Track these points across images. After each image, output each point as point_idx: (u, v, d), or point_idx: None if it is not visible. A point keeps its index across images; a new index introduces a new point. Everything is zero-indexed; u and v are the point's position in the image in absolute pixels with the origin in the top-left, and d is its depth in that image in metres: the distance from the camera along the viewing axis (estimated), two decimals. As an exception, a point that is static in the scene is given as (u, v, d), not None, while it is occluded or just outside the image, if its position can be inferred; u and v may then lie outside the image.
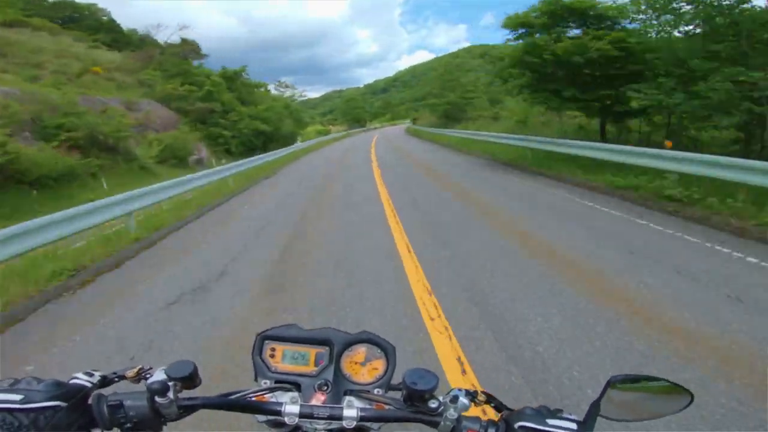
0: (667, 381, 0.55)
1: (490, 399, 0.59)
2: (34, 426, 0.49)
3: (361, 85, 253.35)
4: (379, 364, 0.66)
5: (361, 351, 0.67)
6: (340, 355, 0.66)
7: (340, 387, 0.63)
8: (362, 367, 0.66)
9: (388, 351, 0.67)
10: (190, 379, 0.57)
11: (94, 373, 0.59)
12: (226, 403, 0.58)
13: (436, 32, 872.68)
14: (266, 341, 0.68)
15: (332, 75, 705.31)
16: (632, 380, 0.55)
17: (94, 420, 0.53)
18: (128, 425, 0.55)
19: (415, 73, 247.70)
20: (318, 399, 0.61)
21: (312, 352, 0.67)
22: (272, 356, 0.67)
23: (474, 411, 0.57)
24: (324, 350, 0.66)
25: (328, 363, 0.65)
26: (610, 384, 0.53)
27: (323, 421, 0.56)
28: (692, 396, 0.54)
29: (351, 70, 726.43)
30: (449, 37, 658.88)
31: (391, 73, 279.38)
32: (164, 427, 0.58)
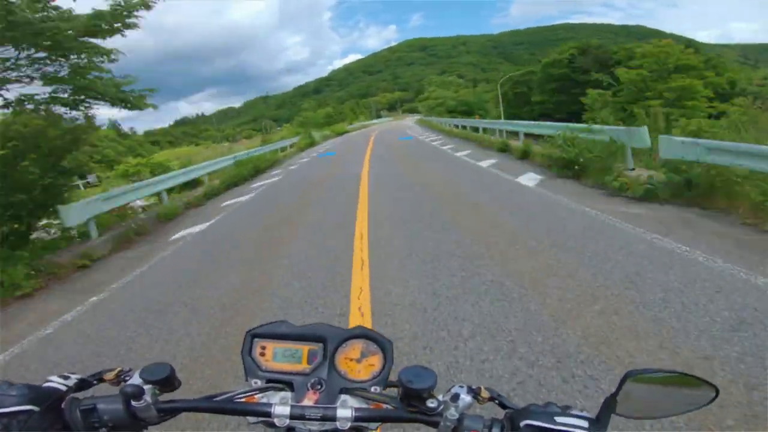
0: (690, 375, 0.53)
1: (493, 396, 0.59)
2: (6, 430, 0.49)
3: (290, 89, 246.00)
4: (376, 360, 0.65)
5: (356, 347, 0.66)
6: (334, 351, 0.65)
7: (334, 385, 0.62)
8: (358, 363, 0.65)
9: (384, 346, 0.66)
10: (167, 382, 0.58)
11: (70, 376, 0.59)
12: (210, 406, 0.58)
13: (368, 34, 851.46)
14: (256, 339, 0.67)
15: (262, 83, 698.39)
16: (651, 374, 0.52)
17: (68, 425, 0.53)
18: (103, 429, 0.54)
19: (350, 70, 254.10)
20: (311, 398, 0.60)
21: (304, 349, 0.66)
22: (262, 355, 0.66)
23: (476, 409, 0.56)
24: (317, 347, 0.66)
25: (322, 360, 0.65)
26: (627, 378, 0.51)
27: (316, 422, 0.55)
28: (717, 390, 0.52)
29: (281, 78, 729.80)
30: (381, 38, 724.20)
31: (324, 75, 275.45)
32: (146, 431, 0.58)
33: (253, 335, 0.67)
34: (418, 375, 0.55)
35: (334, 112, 66.51)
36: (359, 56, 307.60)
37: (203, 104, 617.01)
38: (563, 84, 32.34)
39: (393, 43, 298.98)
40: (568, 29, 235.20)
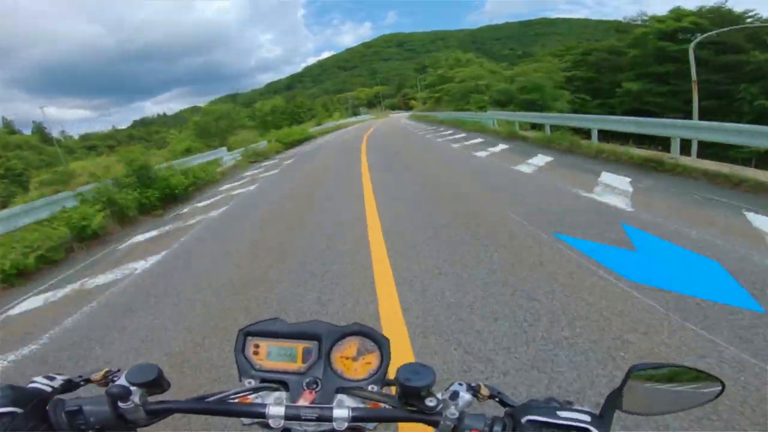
0: (695, 369, 0.53)
1: (493, 393, 0.59)
2: None
3: (262, 86, 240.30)
4: (373, 358, 0.64)
5: (352, 344, 0.65)
6: (329, 349, 0.64)
7: (330, 384, 0.62)
8: (354, 362, 0.64)
9: (381, 344, 0.65)
10: (155, 384, 0.56)
11: (56, 377, 0.58)
12: (202, 407, 0.57)
13: (343, 31, 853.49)
14: (249, 337, 0.66)
15: (234, 82, 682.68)
16: (655, 369, 0.52)
17: (53, 426, 0.52)
18: (90, 431, 0.53)
19: (324, 66, 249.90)
20: (307, 398, 0.59)
21: (299, 347, 0.65)
22: (256, 353, 0.65)
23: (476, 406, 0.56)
24: (312, 345, 0.65)
25: (317, 359, 0.64)
26: (631, 373, 0.50)
27: (312, 423, 0.54)
28: (723, 385, 0.52)
29: (255, 76, 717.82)
30: (356, 35, 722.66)
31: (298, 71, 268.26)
32: None
33: (246, 333, 0.66)
34: (416, 372, 0.53)
35: (291, 106, 50.09)
36: (334, 53, 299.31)
37: (171, 104, 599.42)
38: (678, 69, 19.80)
39: (368, 39, 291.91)
40: (546, 24, 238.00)
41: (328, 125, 37.98)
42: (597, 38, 41.39)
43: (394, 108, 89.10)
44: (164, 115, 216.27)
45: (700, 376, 0.53)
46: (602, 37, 41.13)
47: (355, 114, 66.04)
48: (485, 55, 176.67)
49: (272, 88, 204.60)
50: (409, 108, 78.37)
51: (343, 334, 0.66)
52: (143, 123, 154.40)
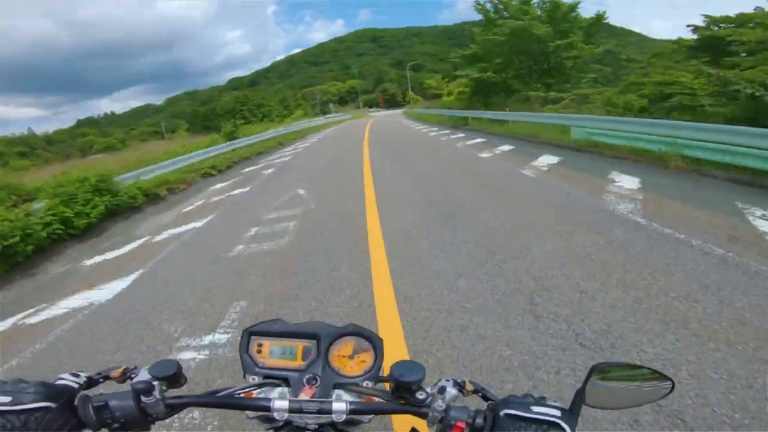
0: (649, 369, 0.61)
1: (477, 389, 0.65)
2: (25, 427, 0.52)
3: (223, 82, 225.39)
4: (367, 357, 0.71)
5: (348, 344, 0.72)
6: (327, 348, 0.71)
7: (329, 380, 0.69)
8: (350, 360, 0.71)
9: (375, 343, 0.72)
10: (175, 378, 0.62)
11: (80, 374, 0.63)
12: (214, 401, 0.63)
13: (315, 28, 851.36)
14: (252, 337, 0.72)
15: (198, 79, 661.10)
16: (614, 368, 0.60)
17: (81, 421, 0.56)
18: (116, 425, 0.58)
19: (294, 61, 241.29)
20: (307, 393, 0.66)
21: (299, 346, 0.72)
22: (259, 352, 0.71)
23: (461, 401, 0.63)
24: (311, 344, 0.72)
25: (316, 357, 0.71)
26: (593, 372, 0.57)
27: (313, 416, 0.61)
28: (673, 384, 0.60)
29: (222, 74, 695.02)
30: (328, 33, 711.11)
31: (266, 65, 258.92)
32: (152, 426, 0.62)
33: (250, 333, 0.72)
34: (409, 369, 0.60)
35: (234, 104, 42.63)
36: (304, 49, 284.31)
37: (131, 101, 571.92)
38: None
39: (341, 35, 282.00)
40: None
41: (267, 134, 20.96)
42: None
43: (372, 105, 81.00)
44: (112, 114, 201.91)
45: (653, 375, 0.61)
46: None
47: (324, 113, 51.79)
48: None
49: (233, 85, 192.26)
50: (396, 104, 76.62)
51: (341, 334, 0.73)
52: (89, 122, 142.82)
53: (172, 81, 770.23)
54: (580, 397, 0.56)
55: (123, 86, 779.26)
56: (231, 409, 0.65)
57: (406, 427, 0.67)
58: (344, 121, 40.78)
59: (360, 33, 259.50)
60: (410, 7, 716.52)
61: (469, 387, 0.64)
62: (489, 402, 0.61)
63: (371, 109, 71.08)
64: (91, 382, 0.65)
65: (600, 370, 0.58)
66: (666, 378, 0.60)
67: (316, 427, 0.64)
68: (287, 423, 0.63)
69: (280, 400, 0.60)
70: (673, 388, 0.60)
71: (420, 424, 0.62)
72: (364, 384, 0.68)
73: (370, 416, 0.65)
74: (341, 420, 0.60)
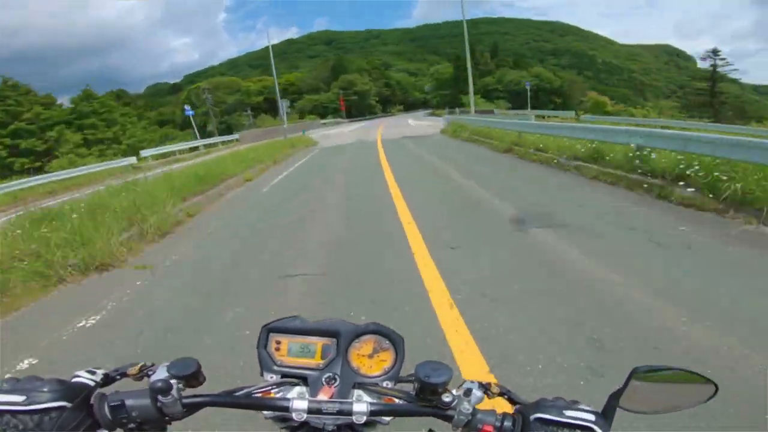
0: (692, 372, 0.60)
1: (503, 391, 0.65)
2: (39, 428, 0.51)
3: (142, 90, 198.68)
4: (388, 356, 0.72)
5: (369, 343, 0.73)
6: (347, 347, 0.72)
7: (348, 380, 0.69)
8: (370, 359, 0.72)
9: (396, 342, 0.72)
10: (194, 377, 0.62)
11: (96, 371, 0.62)
12: (232, 401, 0.64)
13: (266, 36, 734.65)
14: (271, 334, 0.73)
15: (136, 86, 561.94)
16: (655, 371, 0.59)
17: (97, 420, 0.56)
18: (131, 425, 0.58)
19: (235, 64, 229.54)
20: (326, 393, 0.67)
21: (318, 344, 0.72)
22: (278, 349, 0.72)
23: (487, 404, 0.62)
24: (331, 342, 0.73)
25: (336, 355, 0.72)
26: (633, 375, 0.57)
27: (332, 417, 0.61)
28: (717, 387, 0.59)
29: (164, 80, 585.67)
30: (280, 39, 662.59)
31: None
32: (168, 427, 0.61)
33: (269, 330, 0.72)
34: (435, 370, 0.59)
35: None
36: (249, 52, 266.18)
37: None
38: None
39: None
40: (489, 23, 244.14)
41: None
42: (545, 39, 48.30)
43: (328, 113, 55.11)
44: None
45: (696, 378, 0.60)
46: (551, 38, 36.28)
47: (208, 135, 34.11)
48: (433, 53, 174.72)
49: (152, 91, 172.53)
50: (371, 112, 53.33)
51: (361, 332, 0.73)
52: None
53: (107, 88, 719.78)
54: (615, 401, 0.56)
55: (55, 94, 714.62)
56: (249, 409, 0.64)
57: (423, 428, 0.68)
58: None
59: (314, 35, 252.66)
60: (367, 15, 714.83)
61: (495, 389, 0.64)
62: (517, 405, 0.62)
63: (326, 123, 44.93)
64: (107, 380, 0.65)
65: (640, 373, 0.58)
66: (709, 381, 0.60)
67: (334, 428, 0.63)
68: (304, 423, 0.63)
69: (298, 400, 0.61)
70: (716, 392, 0.60)
71: (440, 427, 0.64)
72: (384, 384, 0.69)
73: (390, 418, 0.65)
74: (361, 422, 0.61)
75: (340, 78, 59.76)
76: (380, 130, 30.76)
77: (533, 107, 44.07)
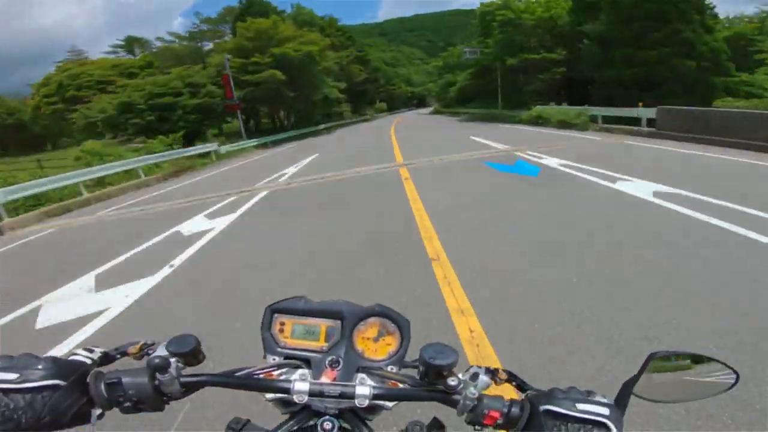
0: (712, 359, 0.57)
1: (511, 377, 0.64)
2: (31, 407, 0.51)
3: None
4: (393, 340, 0.71)
5: (374, 326, 0.72)
6: (352, 329, 0.71)
7: (351, 364, 0.69)
8: (375, 342, 0.71)
9: (402, 326, 0.71)
10: (193, 355, 0.61)
11: (94, 349, 0.64)
12: (233, 381, 0.63)
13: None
14: (275, 314, 0.71)
15: None
16: (674, 357, 0.57)
17: (92, 399, 0.54)
18: (127, 404, 0.56)
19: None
20: (329, 376, 0.66)
21: (323, 326, 0.71)
22: (281, 331, 0.71)
23: (495, 391, 0.61)
24: (335, 324, 0.72)
25: (340, 338, 0.71)
26: (650, 360, 0.55)
27: (334, 400, 0.60)
28: (738, 376, 0.57)
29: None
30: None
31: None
32: (166, 406, 0.59)
33: (273, 310, 0.71)
34: (441, 352, 0.59)
35: None
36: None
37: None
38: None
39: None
40: (462, 14, 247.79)
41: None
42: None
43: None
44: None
45: (716, 366, 0.57)
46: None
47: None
48: (405, 44, 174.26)
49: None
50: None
51: (366, 314, 0.72)
52: None
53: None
54: (630, 389, 0.54)
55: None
56: (250, 390, 0.63)
57: (427, 416, 0.68)
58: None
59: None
60: (335, 14, 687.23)
61: (503, 375, 0.63)
62: (527, 392, 0.60)
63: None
64: (107, 358, 0.65)
65: (658, 359, 0.56)
66: (730, 369, 0.57)
67: (336, 412, 0.62)
68: (305, 407, 0.62)
69: (300, 382, 0.60)
70: (737, 381, 0.57)
71: (445, 412, 0.63)
72: (388, 368, 0.68)
73: (394, 403, 0.64)
74: (364, 405, 0.59)
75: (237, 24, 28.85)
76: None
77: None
